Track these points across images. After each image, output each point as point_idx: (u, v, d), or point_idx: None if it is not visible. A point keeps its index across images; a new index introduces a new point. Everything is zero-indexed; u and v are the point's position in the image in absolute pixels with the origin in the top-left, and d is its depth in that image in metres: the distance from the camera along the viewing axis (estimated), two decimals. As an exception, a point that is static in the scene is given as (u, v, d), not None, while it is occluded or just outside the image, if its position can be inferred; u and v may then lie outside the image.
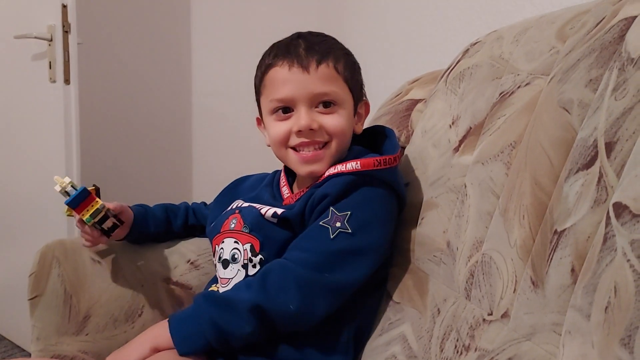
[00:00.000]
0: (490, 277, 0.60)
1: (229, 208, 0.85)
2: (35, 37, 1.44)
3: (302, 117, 0.75)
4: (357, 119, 0.82)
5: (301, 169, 0.78)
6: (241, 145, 1.90)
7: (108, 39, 1.78)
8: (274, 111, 0.77)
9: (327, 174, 0.76)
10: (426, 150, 0.81)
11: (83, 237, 0.85)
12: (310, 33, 0.80)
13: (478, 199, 0.67)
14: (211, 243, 0.84)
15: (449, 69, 0.85)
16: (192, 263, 0.94)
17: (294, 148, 0.78)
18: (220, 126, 1.92)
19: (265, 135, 0.83)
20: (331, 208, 0.72)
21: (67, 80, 1.44)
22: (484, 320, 0.60)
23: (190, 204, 0.97)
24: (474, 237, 0.65)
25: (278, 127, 0.77)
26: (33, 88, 1.54)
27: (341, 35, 0.85)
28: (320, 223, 0.71)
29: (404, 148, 0.90)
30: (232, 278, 0.76)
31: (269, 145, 0.82)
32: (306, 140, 0.76)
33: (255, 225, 0.76)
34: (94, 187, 0.81)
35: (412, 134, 0.89)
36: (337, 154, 0.77)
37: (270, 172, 0.91)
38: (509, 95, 0.67)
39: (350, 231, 0.71)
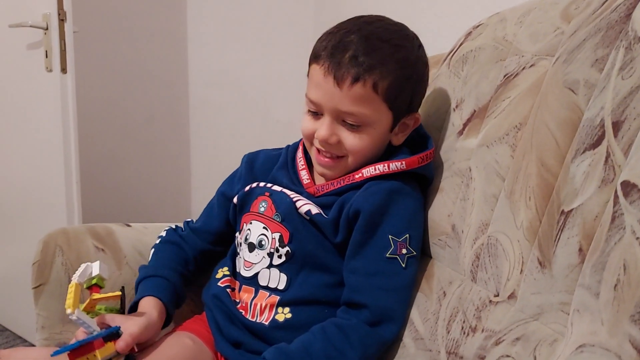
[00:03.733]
0: (497, 258, 0.61)
1: (255, 185, 0.81)
2: (31, 26, 1.42)
3: (323, 128, 0.72)
4: (398, 130, 0.75)
5: (316, 167, 0.78)
6: (238, 135, 1.89)
7: (104, 27, 1.77)
8: (308, 107, 0.75)
9: (366, 174, 0.73)
10: (430, 135, 0.81)
11: None
12: (372, 32, 0.70)
13: (483, 181, 0.67)
14: (239, 218, 0.82)
15: (451, 52, 0.84)
16: (195, 250, 0.93)
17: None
18: (218, 115, 1.91)
19: None
20: (390, 236, 0.70)
21: (63, 69, 1.42)
22: (490, 301, 0.60)
23: (189, 245, 0.86)
24: (479, 220, 0.65)
25: (306, 124, 0.75)
26: (29, 77, 1.53)
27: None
28: (387, 255, 0.70)
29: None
30: (255, 263, 0.76)
31: None
32: (323, 149, 0.74)
33: (288, 215, 0.74)
34: (120, 292, 0.73)
35: (414, 119, 0.89)
36: (354, 167, 0.75)
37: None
38: (514, 77, 0.67)
39: (415, 253, 0.72)
